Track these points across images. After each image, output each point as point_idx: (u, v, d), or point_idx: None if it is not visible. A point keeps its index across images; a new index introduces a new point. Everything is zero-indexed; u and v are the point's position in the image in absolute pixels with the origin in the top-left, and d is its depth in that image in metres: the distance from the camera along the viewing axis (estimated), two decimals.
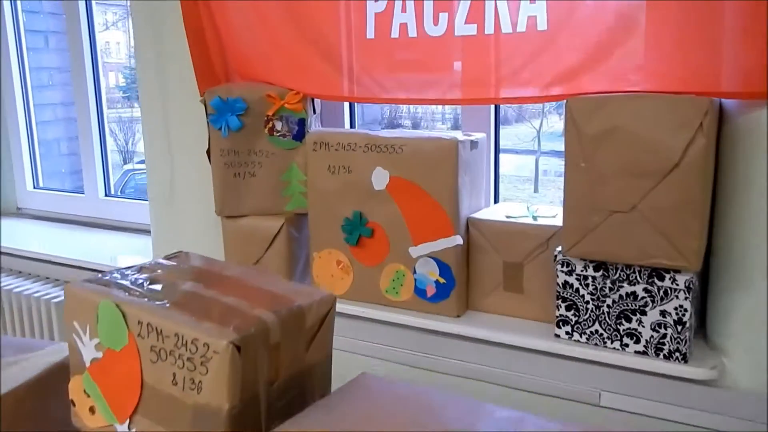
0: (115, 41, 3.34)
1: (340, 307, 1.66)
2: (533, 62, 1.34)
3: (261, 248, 1.71)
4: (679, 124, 1.17)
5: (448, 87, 1.48)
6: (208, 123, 1.68)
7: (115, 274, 1.02)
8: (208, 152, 1.71)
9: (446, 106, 2.15)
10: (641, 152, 1.21)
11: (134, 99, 2.94)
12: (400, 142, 1.53)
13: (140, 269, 1.06)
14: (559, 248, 1.38)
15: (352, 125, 1.99)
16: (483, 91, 1.43)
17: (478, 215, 1.55)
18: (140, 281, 1.01)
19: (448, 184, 1.49)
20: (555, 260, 1.38)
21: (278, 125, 1.67)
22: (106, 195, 2.56)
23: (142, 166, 2.09)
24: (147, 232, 2.11)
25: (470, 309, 1.58)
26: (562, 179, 1.29)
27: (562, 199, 1.32)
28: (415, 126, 2.58)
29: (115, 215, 2.50)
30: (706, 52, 1.18)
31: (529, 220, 1.50)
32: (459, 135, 1.51)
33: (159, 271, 1.06)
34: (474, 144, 1.54)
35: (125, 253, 2.26)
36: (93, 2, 2.46)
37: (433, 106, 2.30)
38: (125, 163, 3.59)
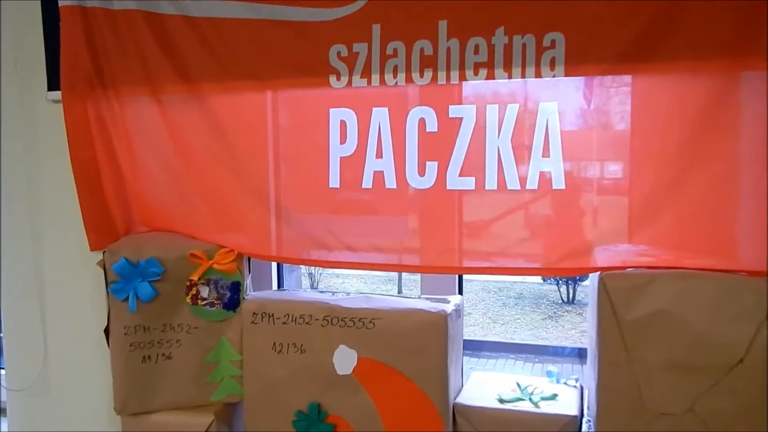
0: None
1: None
2: (549, 226, 1.12)
3: None
4: (738, 313, 0.99)
5: (443, 250, 1.22)
6: (107, 293, 1.27)
7: None
8: (107, 331, 1.29)
9: None
10: (694, 343, 1.01)
11: None
12: (371, 315, 1.23)
13: None
14: None
15: (279, 282, 1.65)
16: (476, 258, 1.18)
17: (464, 400, 1.27)
18: None
19: (437, 368, 1.20)
20: None
21: (204, 291, 1.30)
22: None
23: None
24: None
25: None
26: None
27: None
28: None
29: None
30: (753, 226, 1.03)
31: (528, 406, 1.24)
32: (444, 304, 1.23)
33: None
34: (457, 312, 1.28)
35: None
36: None
37: None
38: None
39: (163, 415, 1.29)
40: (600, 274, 1.05)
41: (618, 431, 1.05)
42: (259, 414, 1.29)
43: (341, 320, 1.24)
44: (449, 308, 1.22)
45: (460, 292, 1.46)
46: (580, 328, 4.59)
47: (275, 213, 1.29)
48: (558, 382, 1.35)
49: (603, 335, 1.05)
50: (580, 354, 3.40)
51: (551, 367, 1.38)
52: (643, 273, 1.04)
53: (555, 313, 5.01)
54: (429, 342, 1.19)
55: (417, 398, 1.21)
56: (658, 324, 1.02)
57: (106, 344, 1.29)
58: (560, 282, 5.02)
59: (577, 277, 4.66)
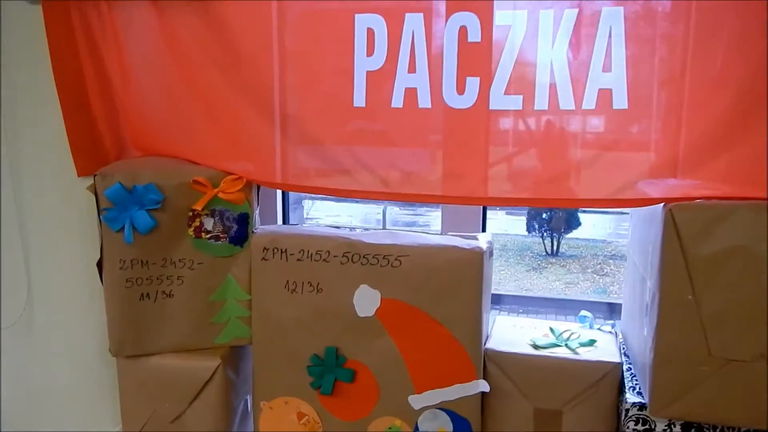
0: None
1: None
2: (606, 152, 0.99)
3: (182, 400, 1.17)
4: None
5: (482, 179, 1.08)
6: (99, 221, 1.12)
7: None
8: (100, 265, 1.15)
9: None
10: None
11: None
12: (397, 251, 1.10)
13: None
14: (632, 399, 1.03)
15: (285, 208, 1.51)
16: (547, 189, 1.05)
17: (495, 346, 1.16)
18: None
19: (470, 311, 1.09)
20: (626, 415, 1.04)
21: (208, 223, 1.16)
22: None
23: None
24: None
25: None
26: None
27: None
28: None
29: None
30: None
31: (565, 352, 1.14)
32: (479, 240, 1.11)
33: None
34: (490, 251, 1.16)
35: None
36: None
37: None
38: None
39: (163, 358, 1.17)
40: (666, 205, 0.93)
41: (679, 379, 0.95)
42: (269, 359, 1.17)
43: (363, 257, 1.11)
44: (484, 246, 1.10)
45: (484, 231, 1.35)
46: (564, 280, 4.56)
47: (280, 131, 1.14)
48: (591, 327, 1.26)
49: (667, 274, 0.93)
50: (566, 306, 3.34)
51: (584, 312, 1.28)
52: (719, 204, 0.92)
53: (539, 265, 4.97)
54: (462, 282, 1.08)
55: (447, 343, 1.10)
56: (733, 262, 0.90)
57: (99, 280, 1.15)
58: (544, 234, 4.95)
59: (562, 230, 4.59)
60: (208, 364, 1.16)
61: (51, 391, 1.35)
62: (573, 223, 4.59)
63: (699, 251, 0.92)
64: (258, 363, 1.19)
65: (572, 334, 1.20)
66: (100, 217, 1.11)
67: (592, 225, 4.72)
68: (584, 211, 4.60)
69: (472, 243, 1.10)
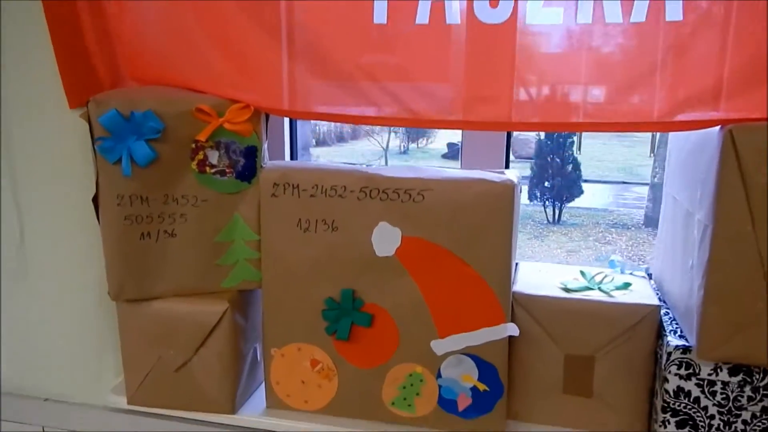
0: None
1: (315, 428, 1.11)
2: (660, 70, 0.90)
3: (188, 347, 1.08)
4: None
5: (515, 103, 0.98)
6: (94, 152, 1.03)
7: None
8: (96, 200, 1.06)
9: None
10: None
11: None
12: (420, 185, 1.01)
13: None
14: (674, 341, 0.96)
15: (293, 153, 1.42)
16: (564, 112, 0.96)
17: (524, 289, 1.09)
18: None
19: (500, 249, 1.00)
20: (668, 359, 0.96)
21: (213, 157, 1.06)
22: None
23: None
24: None
25: (510, 419, 1.11)
26: None
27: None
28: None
29: None
30: None
31: (599, 295, 1.07)
32: (510, 174, 1.03)
33: None
34: (519, 187, 1.07)
35: None
36: None
37: None
38: None
39: (166, 303, 1.08)
40: (724, 127, 0.85)
41: (732, 318, 0.88)
42: (280, 303, 1.09)
43: (382, 192, 1.03)
44: (515, 179, 1.02)
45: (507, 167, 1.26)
46: (566, 248, 4.50)
47: (288, 52, 1.04)
48: (623, 272, 1.18)
49: (723, 204, 0.85)
50: None
51: (615, 256, 1.20)
52: None
53: (540, 233, 4.92)
54: (492, 218, 0.99)
55: (473, 284, 1.01)
56: None
57: (96, 217, 1.06)
58: (546, 203, 4.89)
59: (564, 198, 4.53)
60: (215, 309, 1.07)
61: (48, 339, 1.27)
62: (575, 191, 4.52)
63: (761, 177, 0.83)
64: (268, 307, 1.10)
65: (605, 276, 1.12)
66: (95, 147, 1.01)
67: (592, 195, 4.66)
68: (586, 180, 4.53)
69: (503, 176, 1.02)
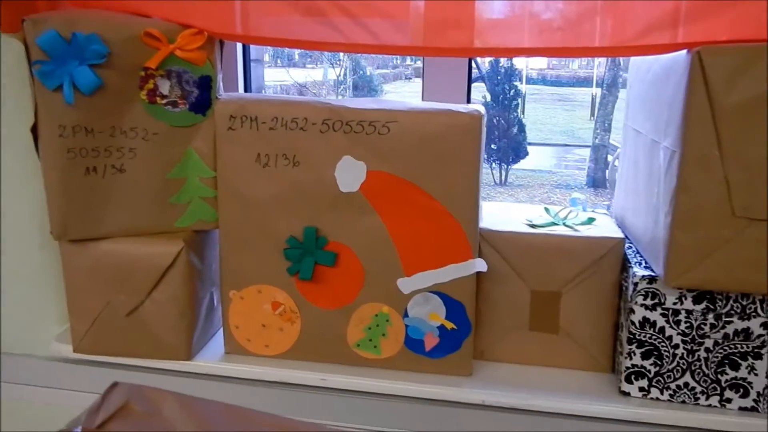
0: None
1: (277, 373, 1.07)
2: None
3: (139, 291, 1.02)
4: None
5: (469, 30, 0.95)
6: (32, 77, 0.94)
7: None
8: (35, 130, 0.97)
9: None
10: None
11: None
12: (386, 117, 0.97)
13: None
14: (639, 272, 0.96)
15: (246, 88, 1.35)
16: (532, 37, 0.93)
17: (490, 225, 1.07)
18: None
19: (468, 182, 0.98)
20: (634, 290, 0.96)
21: (164, 86, 0.99)
22: None
23: None
24: None
25: (476, 359, 1.10)
26: None
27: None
28: None
29: None
30: None
31: (566, 231, 1.06)
32: (476, 106, 1.00)
33: None
34: (485, 119, 1.05)
35: None
36: None
37: None
38: None
39: (115, 243, 1.01)
40: (691, 50, 0.84)
41: (699, 243, 0.88)
42: (239, 242, 1.04)
43: (346, 124, 0.98)
44: (481, 110, 0.99)
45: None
46: None
47: None
48: (585, 210, 1.18)
49: (690, 128, 0.84)
50: None
51: (576, 194, 1.20)
52: (752, 46, 0.83)
53: (488, 194, 4.98)
54: (460, 150, 0.96)
55: (440, 219, 0.99)
56: (765, 111, 0.82)
57: (35, 149, 0.98)
58: (493, 164, 4.94)
59: (510, 160, 4.58)
60: (169, 249, 1.01)
61: None
62: (521, 153, 4.57)
63: (728, 99, 0.83)
64: (226, 248, 1.05)
65: (570, 212, 1.12)
66: (32, 71, 0.92)
67: (536, 157, 4.74)
68: (530, 143, 4.60)
69: (469, 107, 0.98)
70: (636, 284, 0.96)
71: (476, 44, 0.96)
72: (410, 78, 4.55)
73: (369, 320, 1.04)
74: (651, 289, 0.95)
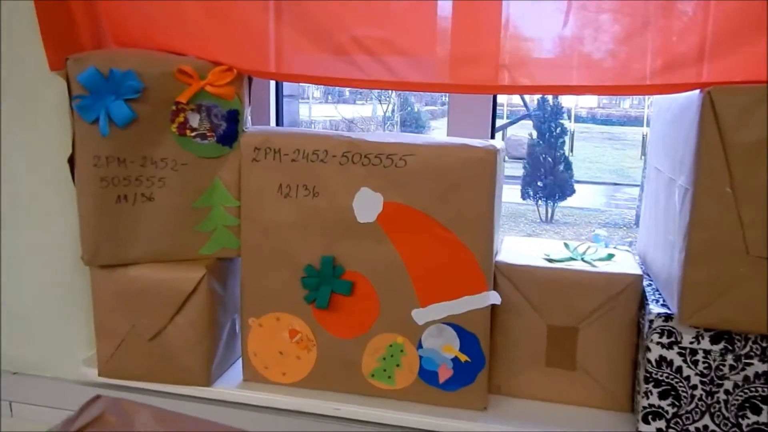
0: None
1: (292, 402, 1.09)
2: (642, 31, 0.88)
3: (162, 316, 1.06)
4: None
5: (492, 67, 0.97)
6: (72, 111, 1.01)
7: None
8: (72, 161, 1.04)
9: None
10: None
11: None
12: (403, 150, 1.00)
13: None
14: (656, 309, 0.94)
15: (279, 122, 1.41)
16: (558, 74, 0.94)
17: (507, 259, 1.07)
18: None
19: (482, 214, 0.99)
20: (650, 327, 0.95)
21: (194, 120, 1.05)
22: None
23: None
24: None
25: (492, 393, 1.09)
26: None
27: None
28: None
29: None
30: None
31: (584, 266, 1.05)
32: (494, 143, 1.01)
33: None
34: (504, 155, 1.06)
35: None
36: None
37: None
38: None
39: (141, 269, 1.06)
40: (703, 90, 0.84)
41: (712, 281, 0.86)
42: (259, 270, 1.07)
43: (364, 157, 1.01)
44: (498, 145, 1.01)
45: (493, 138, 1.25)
46: None
47: (275, 17, 1.03)
48: (607, 246, 1.17)
49: (702, 165, 0.84)
50: None
51: (599, 231, 1.19)
52: (762, 87, 0.82)
53: (533, 231, 4.94)
54: (474, 183, 0.98)
55: (455, 251, 1.00)
56: None
57: (71, 178, 1.04)
58: (539, 201, 4.91)
59: (556, 197, 4.54)
60: (192, 275, 1.05)
61: (19, 308, 1.24)
62: (567, 190, 4.53)
63: (739, 137, 0.82)
64: (247, 275, 1.08)
65: (588, 248, 1.11)
66: (72, 105, 0.99)
67: (584, 195, 4.68)
68: (578, 181, 4.55)
69: (485, 142, 1.00)
70: (651, 321, 0.95)
71: (503, 80, 0.98)
72: None
73: (383, 350, 1.05)
74: (667, 327, 0.94)
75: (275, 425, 1.08)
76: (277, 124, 1.39)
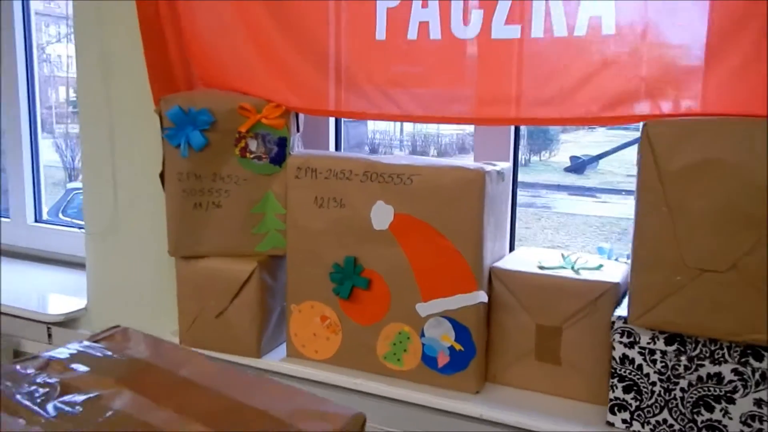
0: (67, 54, 2.99)
1: (321, 375, 1.32)
2: (595, 74, 1.04)
3: (224, 298, 1.35)
4: None
5: (475, 102, 1.17)
6: (163, 139, 1.33)
7: (7, 382, 0.66)
8: (162, 176, 1.36)
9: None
10: (743, 194, 0.91)
11: None
12: (410, 171, 1.21)
13: (48, 365, 0.70)
14: (619, 313, 1.07)
15: (338, 149, 1.66)
16: (523, 110, 1.12)
17: (503, 264, 1.24)
18: (44, 396, 0.64)
19: (471, 225, 1.17)
20: (612, 328, 1.07)
21: (252, 145, 1.33)
22: (36, 221, 2.16)
23: None
24: (84, 266, 1.73)
25: (489, 381, 1.26)
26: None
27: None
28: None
29: (46, 245, 2.10)
30: None
31: (570, 273, 1.19)
32: (483, 165, 1.20)
33: (79, 369, 0.70)
34: (500, 175, 1.23)
35: (57, 292, 1.86)
36: (32, 13, 2.09)
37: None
38: (70, 180, 3.17)
39: (210, 261, 1.36)
40: (646, 123, 0.97)
41: (655, 288, 0.98)
42: (300, 266, 1.32)
43: (380, 176, 1.23)
44: (489, 168, 1.18)
45: (515, 160, 1.41)
46: None
47: (335, 72, 1.29)
48: (609, 258, 1.29)
49: (643, 188, 0.97)
50: None
51: (603, 244, 1.31)
52: (689, 119, 0.94)
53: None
54: (465, 198, 1.16)
55: (450, 256, 1.19)
56: (705, 174, 0.92)
57: (162, 189, 1.36)
58: None
59: None
60: (247, 267, 1.33)
61: (129, 286, 1.58)
62: None
63: (671, 164, 0.95)
64: (291, 270, 1.34)
65: (579, 258, 1.24)
66: (163, 135, 1.31)
67: None
68: None
69: (479, 165, 1.18)
70: (613, 323, 1.07)
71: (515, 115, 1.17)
72: None
73: (393, 337, 1.26)
74: (627, 328, 1.06)
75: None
76: (336, 146, 1.64)
